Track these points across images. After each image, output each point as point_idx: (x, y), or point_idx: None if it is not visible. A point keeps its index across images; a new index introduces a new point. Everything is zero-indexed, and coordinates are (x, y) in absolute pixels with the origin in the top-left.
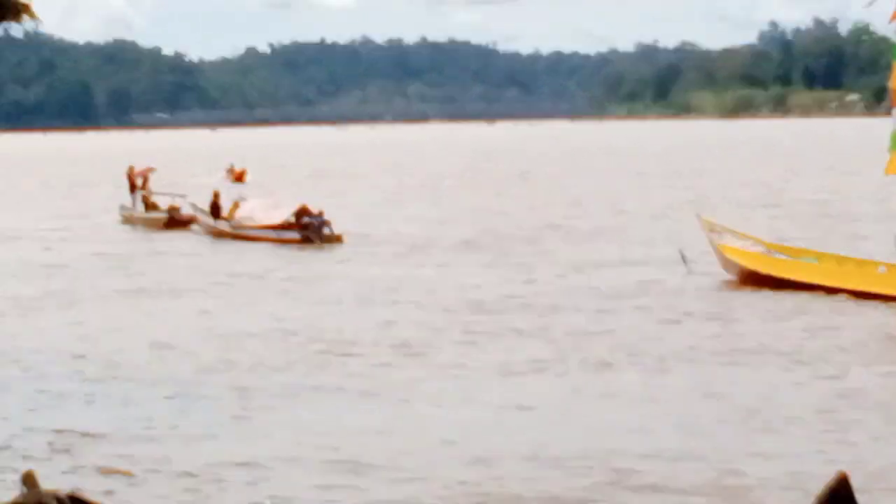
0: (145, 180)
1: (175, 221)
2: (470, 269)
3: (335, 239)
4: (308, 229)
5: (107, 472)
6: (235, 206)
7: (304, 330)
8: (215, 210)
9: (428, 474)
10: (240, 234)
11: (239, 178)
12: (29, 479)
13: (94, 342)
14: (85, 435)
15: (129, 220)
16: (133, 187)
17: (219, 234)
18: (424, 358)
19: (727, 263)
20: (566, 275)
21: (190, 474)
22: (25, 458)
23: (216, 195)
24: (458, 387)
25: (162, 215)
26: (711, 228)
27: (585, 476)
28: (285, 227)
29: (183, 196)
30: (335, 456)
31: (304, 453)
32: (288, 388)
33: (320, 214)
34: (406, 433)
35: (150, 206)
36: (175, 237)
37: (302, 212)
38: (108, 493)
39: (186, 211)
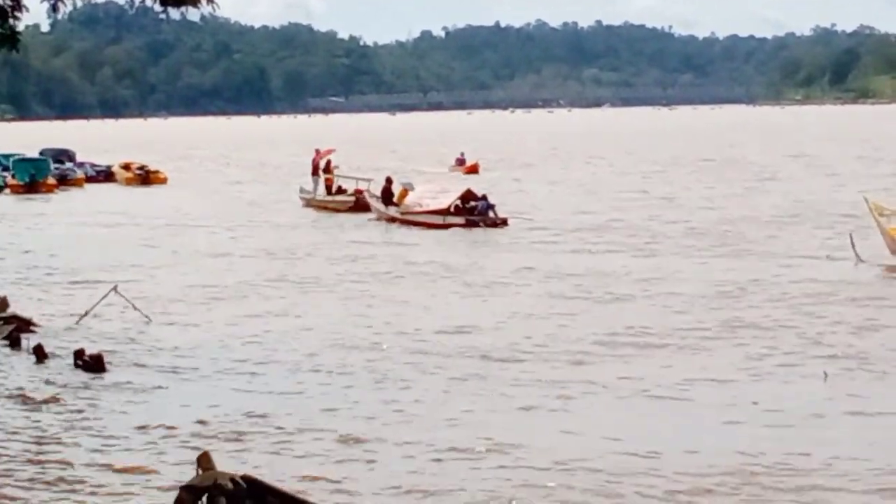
0: (328, 164)
1: (360, 205)
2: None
3: (500, 222)
4: (473, 213)
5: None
6: (404, 192)
7: (495, 325)
8: (387, 195)
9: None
10: (409, 220)
11: (472, 170)
12: (204, 461)
13: (279, 333)
14: (262, 417)
15: (310, 204)
16: (315, 171)
17: (390, 220)
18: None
19: None
20: (755, 265)
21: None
22: (216, 438)
23: (388, 180)
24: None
25: (347, 199)
26: (881, 212)
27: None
28: (451, 211)
29: (369, 180)
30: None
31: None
32: (496, 383)
33: (484, 198)
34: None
35: (336, 189)
36: (352, 223)
37: (467, 196)
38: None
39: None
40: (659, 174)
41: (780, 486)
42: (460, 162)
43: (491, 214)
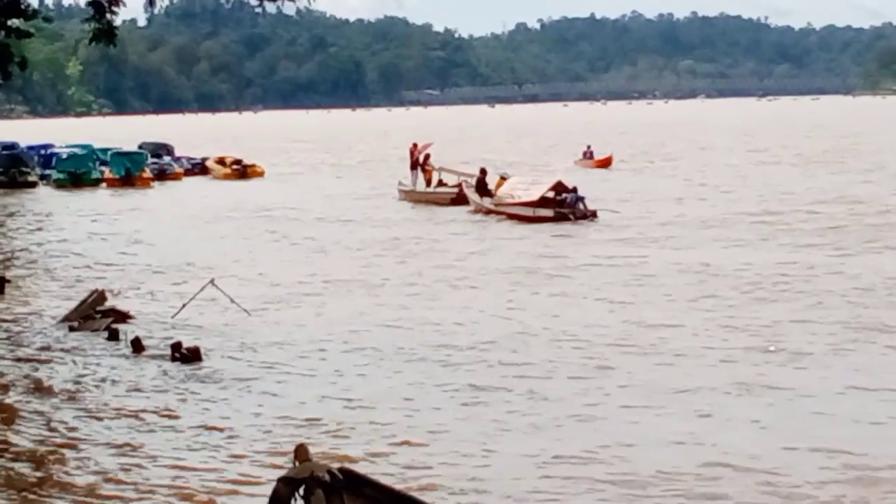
0: (426, 157)
1: (462, 199)
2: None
3: (590, 215)
4: (563, 205)
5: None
6: (498, 183)
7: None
8: (482, 187)
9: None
10: (501, 211)
11: (604, 164)
12: (301, 452)
13: (377, 328)
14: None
15: (408, 198)
16: (414, 164)
17: (485, 212)
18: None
19: None
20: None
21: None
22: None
23: (483, 172)
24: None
25: (447, 191)
26: None
27: None
28: (541, 203)
29: (471, 175)
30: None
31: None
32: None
33: (574, 190)
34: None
35: (437, 182)
36: (449, 216)
37: (558, 187)
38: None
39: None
40: (778, 165)
41: None
42: (588, 155)
43: (580, 206)
